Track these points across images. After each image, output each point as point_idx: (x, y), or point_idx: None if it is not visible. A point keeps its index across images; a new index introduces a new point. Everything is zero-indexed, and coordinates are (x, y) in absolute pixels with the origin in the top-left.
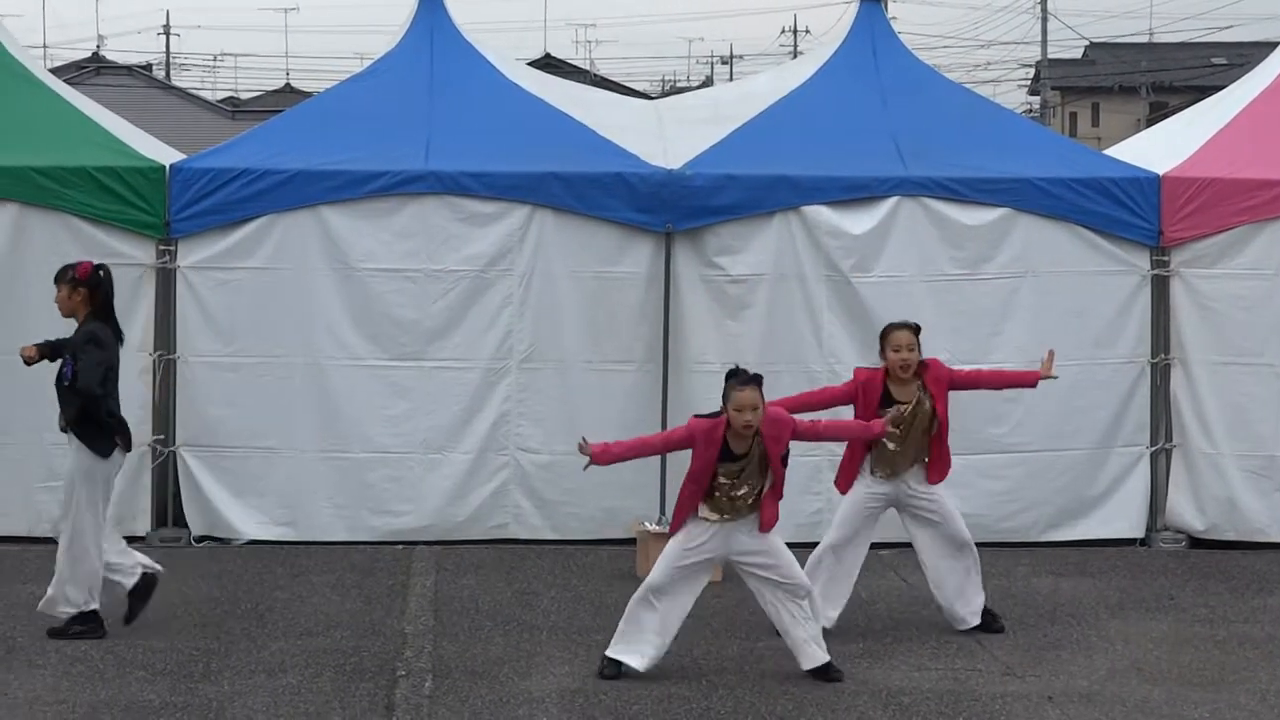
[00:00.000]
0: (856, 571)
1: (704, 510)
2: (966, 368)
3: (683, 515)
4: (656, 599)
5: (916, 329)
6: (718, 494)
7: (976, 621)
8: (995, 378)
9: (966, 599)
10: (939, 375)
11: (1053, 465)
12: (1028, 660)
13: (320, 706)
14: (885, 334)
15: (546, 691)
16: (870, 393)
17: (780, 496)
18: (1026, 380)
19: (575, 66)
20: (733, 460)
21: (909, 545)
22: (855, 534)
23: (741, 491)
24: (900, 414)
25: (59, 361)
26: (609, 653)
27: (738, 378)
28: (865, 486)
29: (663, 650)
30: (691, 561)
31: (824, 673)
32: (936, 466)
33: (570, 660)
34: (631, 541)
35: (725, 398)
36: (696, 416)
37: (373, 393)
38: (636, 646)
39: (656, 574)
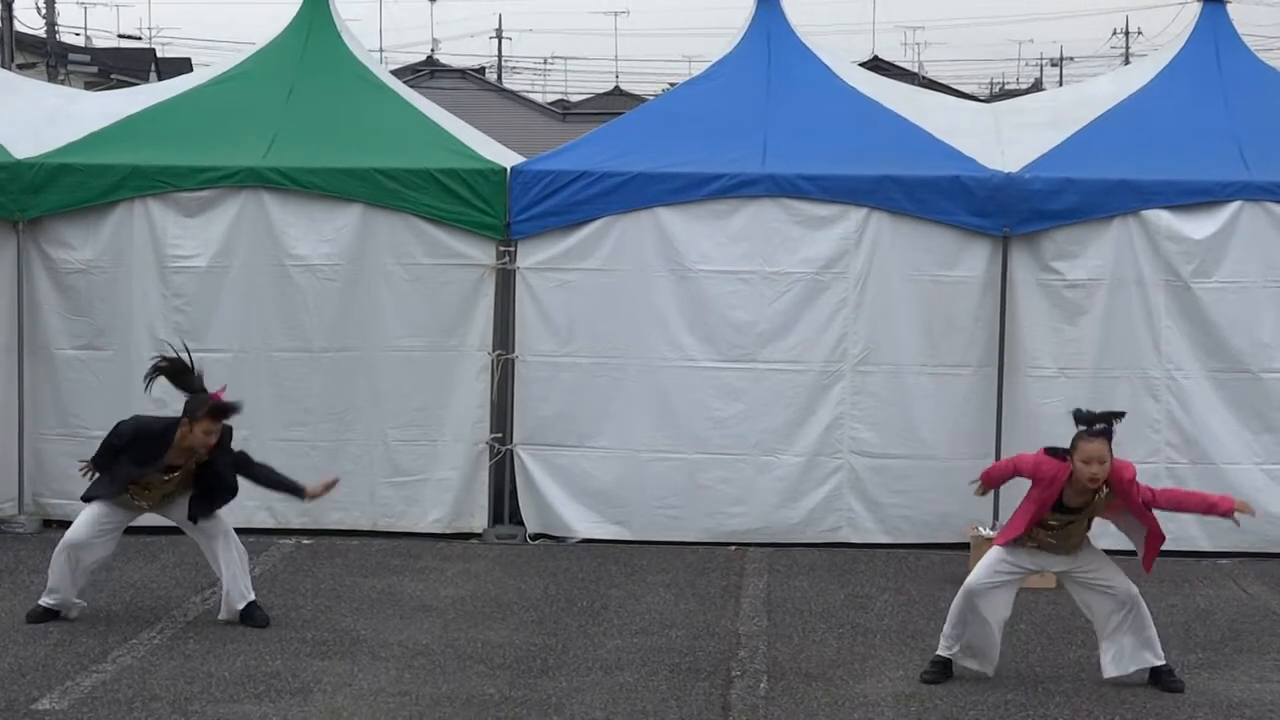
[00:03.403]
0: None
1: (1031, 540)
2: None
3: (1013, 533)
4: (977, 600)
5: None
6: (1045, 533)
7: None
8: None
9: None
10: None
11: None
12: None
13: (657, 705)
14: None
15: (881, 695)
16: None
17: (1160, 539)
18: (1221, 508)
19: (903, 69)
20: (1065, 512)
21: (1242, 555)
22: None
23: (1069, 537)
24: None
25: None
26: (939, 652)
27: (1089, 429)
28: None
29: (993, 649)
30: (1009, 575)
31: (1160, 679)
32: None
33: (904, 664)
34: (965, 546)
35: (1072, 446)
36: (1048, 452)
37: (706, 394)
38: (968, 647)
39: (975, 577)
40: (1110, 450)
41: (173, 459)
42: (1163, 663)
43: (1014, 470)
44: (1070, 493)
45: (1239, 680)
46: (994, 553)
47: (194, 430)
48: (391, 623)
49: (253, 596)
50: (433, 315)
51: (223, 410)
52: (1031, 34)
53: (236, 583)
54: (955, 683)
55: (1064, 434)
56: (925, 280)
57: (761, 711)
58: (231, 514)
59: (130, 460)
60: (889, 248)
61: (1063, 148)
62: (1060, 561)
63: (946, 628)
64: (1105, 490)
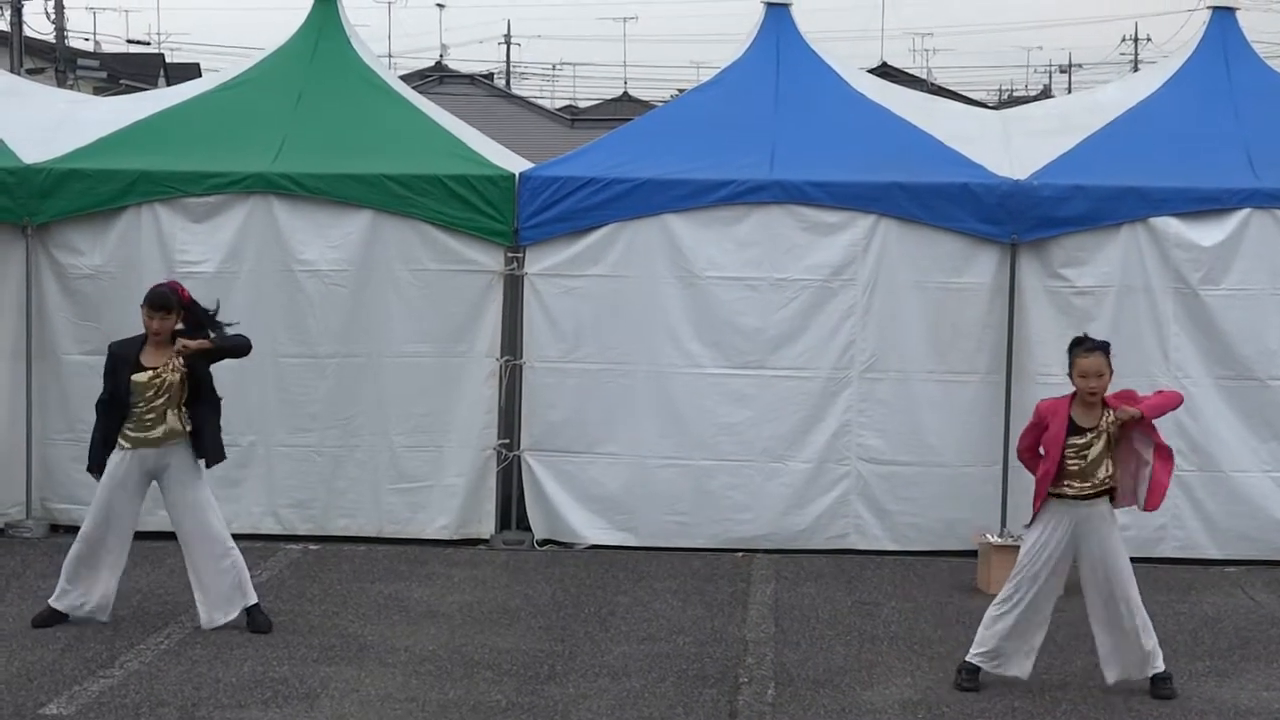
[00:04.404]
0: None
1: (1056, 488)
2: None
3: (1038, 500)
4: (1013, 604)
5: (1106, 349)
6: (1069, 462)
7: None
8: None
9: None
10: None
11: None
12: None
13: (664, 712)
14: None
15: (888, 702)
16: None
17: (1168, 460)
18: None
19: (912, 75)
20: (1079, 434)
21: (1249, 563)
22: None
23: (1089, 457)
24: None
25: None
26: (970, 659)
27: (1083, 344)
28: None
29: (1031, 656)
30: (1046, 556)
31: (1154, 685)
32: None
33: (912, 671)
34: (972, 553)
35: (1070, 366)
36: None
37: (714, 400)
38: (1006, 657)
39: (1009, 584)
40: (1109, 366)
41: (148, 359)
42: (1161, 670)
43: (1033, 438)
44: (1079, 411)
45: (1246, 688)
46: (1024, 542)
47: (145, 318)
48: (398, 628)
49: (249, 603)
50: (440, 321)
51: (154, 296)
52: (1040, 41)
53: (207, 597)
54: (963, 691)
55: None
56: (933, 287)
57: (769, 718)
58: (237, 520)
59: (114, 378)
60: (897, 254)
61: (1071, 155)
62: (1095, 516)
63: (982, 635)
64: (1112, 417)
